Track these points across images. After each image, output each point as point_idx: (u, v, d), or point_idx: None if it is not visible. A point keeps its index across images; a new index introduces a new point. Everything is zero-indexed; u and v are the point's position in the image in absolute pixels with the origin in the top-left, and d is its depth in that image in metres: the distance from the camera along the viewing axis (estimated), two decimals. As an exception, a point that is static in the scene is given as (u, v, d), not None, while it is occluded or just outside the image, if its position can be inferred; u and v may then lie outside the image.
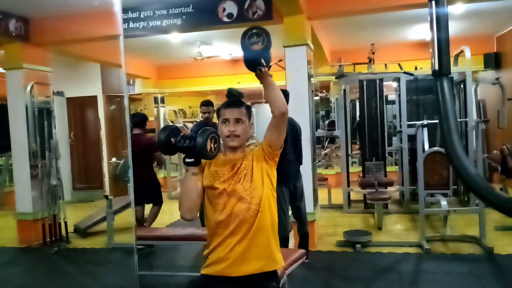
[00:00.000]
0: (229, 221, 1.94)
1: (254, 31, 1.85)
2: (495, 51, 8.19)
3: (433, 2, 1.15)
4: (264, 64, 1.86)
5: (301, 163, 4.23)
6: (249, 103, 2.20)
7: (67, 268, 4.75)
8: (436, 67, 1.16)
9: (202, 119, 5.16)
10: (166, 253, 5.00)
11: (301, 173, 4.24)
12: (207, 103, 5.04)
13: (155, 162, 5.26)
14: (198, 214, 2.12)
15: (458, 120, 6.21)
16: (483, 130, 6.18)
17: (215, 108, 4.85)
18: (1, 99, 7.20)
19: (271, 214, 2.01)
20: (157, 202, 5.16)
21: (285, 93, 4.11)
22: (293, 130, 4.11)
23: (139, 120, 5.09)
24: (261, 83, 1.92)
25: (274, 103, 1.92)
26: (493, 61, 8.11)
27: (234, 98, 2.07)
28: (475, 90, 6.89)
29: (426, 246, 4.52)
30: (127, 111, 3.37)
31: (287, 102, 4.06)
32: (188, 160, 1.92)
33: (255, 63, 1.84)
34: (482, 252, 4.41)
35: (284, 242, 4.03)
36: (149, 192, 5.04)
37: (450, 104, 1.12)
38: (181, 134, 1.94)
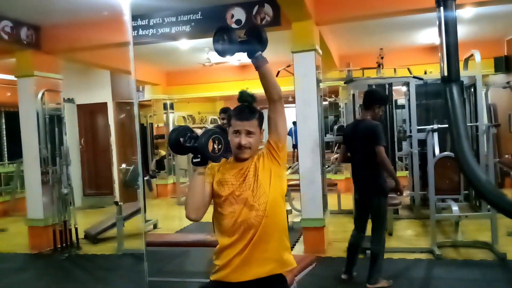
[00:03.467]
0: (236, 227, 1.95)
1: (223, 32, 1.90)
2: (506, 54, 8.12)
3: (441, 8, 1.15)
4: (261, 50, 1.93)
5: (372, 168, 3.73)
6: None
7: (77, 274, 4.77)
8: (445, 73, 1.15)
9: (220, 124, 5.28)
10: (176, 259, 5.01)
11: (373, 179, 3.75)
12: (226, 111, 5.19)
13: None
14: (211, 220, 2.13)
15: (469, 124, 6.17)
16: (494, 134, 6.12)
17: None
18: (13, 106, 7.30)
19: (279, 217, 2.01)
20: None
21: (380, 95, 3.99)
22: (362, 128, 3.78)
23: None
24: (258, 69, 1.94)
25: (274, 87, 1.95)
26: (504, 64, 8.03)
27: (246, 109, 2.03)
28: (486, 94, 6.83)
29: (437, 252, 4.47)
30: (137, 119, 3.40)
31: (383, 103, 3.96)
32: (194, 160, 1.93)
33: (254, 49, 1.92)
34: (494, 258, 4.35)
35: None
36: None
37: (460, 110, 1.11)
38: (189, 134, 1.94)
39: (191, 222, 6.40)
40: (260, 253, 1.95)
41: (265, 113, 2.02)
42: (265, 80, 1.94)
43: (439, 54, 1.20)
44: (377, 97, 3.89)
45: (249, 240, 1.94)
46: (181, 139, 1.92)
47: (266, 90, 1.96)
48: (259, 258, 1.95)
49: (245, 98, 2.05)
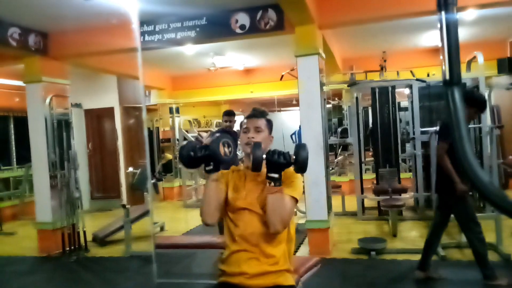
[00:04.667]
0: (246, 236, 2.01)
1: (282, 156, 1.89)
2: (509, 56, 8.13)
3: (443, 11, 1.19)
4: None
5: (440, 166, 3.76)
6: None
7: (86, 276, 4.83)
8: (447, 77, 1.19)
9: (223, 127, 5.26)
10: (183, 261, 5.05)
11: None
12: (229, 113, 5.21)
13: None
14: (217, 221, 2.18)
15: (473, 126, 6.20)
16: (497, 136, 6.13)
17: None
18: (22, 111, 7.38)
19: (288, 231, 2.07)
20: None
21: (474, 97, 3.71)
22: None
23: None
24: (272, 192, 1.91)
25: (278, 217, 1.90)
26: (507, 66, 8.01)
27: (256, 112, 2.16)
28: (489, 96, 6.84)
29: (442, 253, 4.50)
30: (145, 124, 3.44)
31: (473, 104, 3.58)
32: (207, 168, 2.00)
33: (279, 178, 1.91)
34: (498, 259, 4.36)
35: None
36: None
37: (461, 113, 1.15)
38: (198, 146, 2.04)
39: (198, 225, 6.49)
40: (270, 264, 1.99)
41: (272, 117, 2.08)
42: (272, 205, 1.91)
43: (441, 57, 1.24)
44: (469, 98, 3.61)
45: (261, 251, 1.99)
46: (192, 153, 2.00)
47: (269, 216, 1.93)
48: (268, 269, 1.99)
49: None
